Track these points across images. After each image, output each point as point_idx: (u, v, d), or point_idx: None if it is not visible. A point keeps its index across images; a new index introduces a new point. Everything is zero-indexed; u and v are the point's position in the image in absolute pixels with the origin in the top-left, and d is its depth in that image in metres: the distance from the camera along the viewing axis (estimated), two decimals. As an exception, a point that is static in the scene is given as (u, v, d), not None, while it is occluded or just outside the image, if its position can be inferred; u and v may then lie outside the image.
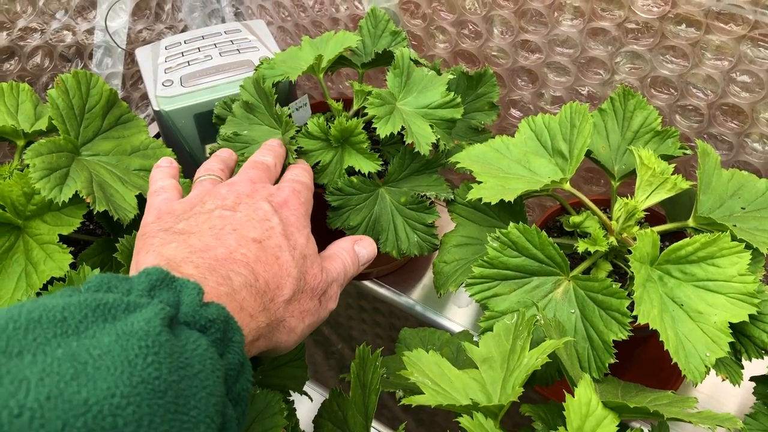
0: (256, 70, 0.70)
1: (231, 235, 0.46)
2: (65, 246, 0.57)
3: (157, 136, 0.85)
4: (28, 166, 0.56)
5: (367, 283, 0.85)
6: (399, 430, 0.43)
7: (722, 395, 0.72)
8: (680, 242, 0.52)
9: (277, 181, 0.58)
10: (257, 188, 0.52)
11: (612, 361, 0.50)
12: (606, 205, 0.67)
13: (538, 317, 0.48)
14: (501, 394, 0.45)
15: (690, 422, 0.42)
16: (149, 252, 0.45)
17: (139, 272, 0.37)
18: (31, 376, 0.27)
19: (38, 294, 0.55)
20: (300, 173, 0.58)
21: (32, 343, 0.29)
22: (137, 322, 0.31)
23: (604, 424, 0.42)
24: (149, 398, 0.29)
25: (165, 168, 0.58)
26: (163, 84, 0.78)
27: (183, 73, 0.79)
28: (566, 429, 0.41)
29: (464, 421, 0.40)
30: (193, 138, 0.79)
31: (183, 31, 0.99)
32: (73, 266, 0.57)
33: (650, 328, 0.48)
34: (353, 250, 0.55)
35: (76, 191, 0.56)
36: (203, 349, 0.34)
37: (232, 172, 0.60)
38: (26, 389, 0.26)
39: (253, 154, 0.59)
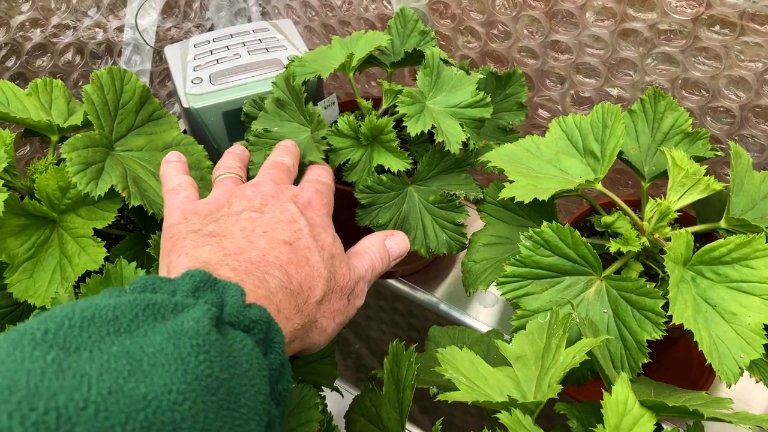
0: (286, 67, 0.70)
1: (262, 238, 0.46)
2: (99, 240, 0.58)
3: (183, 133, 0.85)
4: (63, 160, 0.56)
5: (390, 281, 0.86)
6: (435, 426, 0.44)
7: (749, 397, 0.72)
8: (714, 243, 0.52)
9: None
10: (281, 189, 0.52)
11: (645, 360, 0.50)
12: (635, 206, 0.67)
13: (573, 315, 0.48)
14: (536, 392, 0.45)
15: (730, 422, 0.42)
16: (182, 254, 0.45)
17: (183, 274, 0.37)
18: (91, 371, 0.28)
19: (75, 287, 0.56)
20: (321, 173, 0.58)
21: (88, 341, 0.30)
22: (187, 321, 0.32)
23: (641, 423, 0.42)
24: (203, 395, 0.29)
25: (175, 163, 0.58)
26: (192, 81, 0.79)
27: (212, 71, 0.80)
28: (603, 427, 0.41)
29: (503, 417, 0.40)
30: (221, 136, 0.79)
31: (210, 29, 1.00)
32: (106, 260, 0.58)
33: (685, 328, 0.48)
34: (383, 246, 0.55)
35: (112, 185, 0.57)
36: (249, 348, 0.34)
37: (247, 166, 0.60)
38: (88, 384, 0.27)
39: (271, 154, 0.59)
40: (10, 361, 0.27)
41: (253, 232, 0.46)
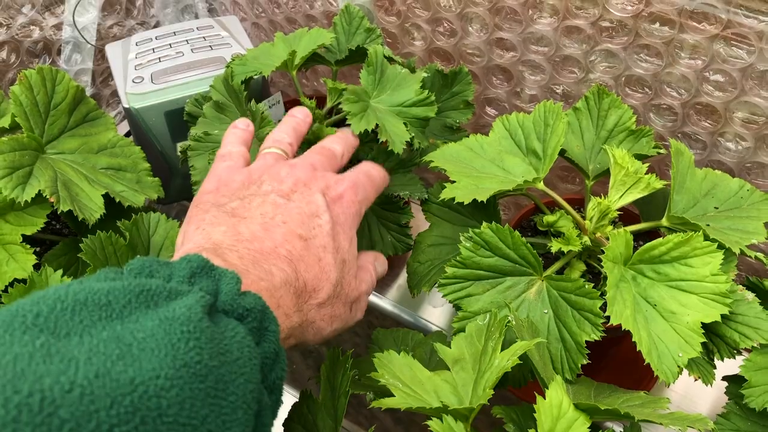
0: (226, 67, 0.69)
1: (279, 228, 0.45)
2: (29, 246, 0.56)
3: (127, 134, 0.83)
4: (-11, 164, 0.54)
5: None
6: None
7: (695, 395, 0.72)
8: (653, 242, 0.51)
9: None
10: (316, 176, 0.51)
11: (585, 362, 0.50)
12: (580, 204, 0.67)
13: (510, 318, 0.48)
14: (472, 396, 0.45)
15: (661, 424, 0.41)
16: (199, 228, 0.45)
17: (180, 258, 0.37)
18: (79, 355, 0.28)
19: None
20: (373, 167, 0.56)
21: (79, 325, 0.30)
22: (179, 308, 0.32)
23: (576, 426, 0.42)
24: (191, 382, 0.29)
25: (239, 131, 0.57)
26: (133, 81, 0.77)
27: (154, 69, 0.78)
28: (537, 431, 0.41)
29: (433, 424, 0.40)
30: (164, 136, 0.77)
31: (155, 27, 0.97)
32: (36, 267, 0.56)
33: (623, 328, 0.48)
34: (374, 266, 0.54)
35: (39, 191, 0.55)
36: (241, 336, 0.34)
37: (301, 141, 0.59)
38: (75, 367, 0.27)
39: (325, 139, 0.58)
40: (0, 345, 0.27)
41: (273, 220, 0.46)
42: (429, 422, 0.40)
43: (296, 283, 0.43)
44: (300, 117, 0.59)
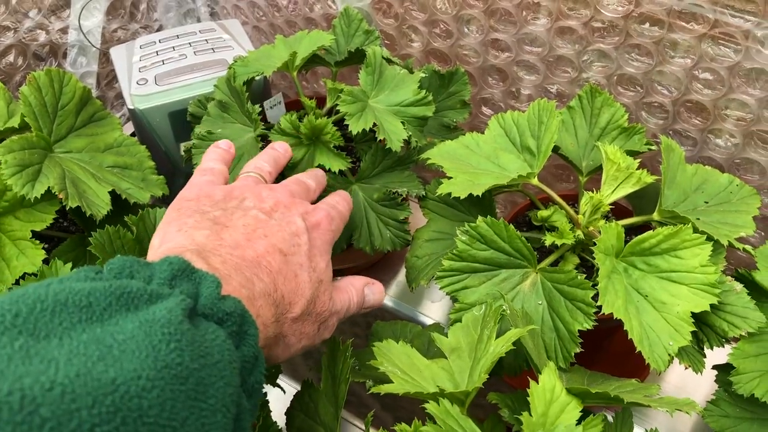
0: (229, 68, 0.71)
1: (261, 240, 0.47)
2: (38, 242, 0.58)
3: (132, 135, 0.85)
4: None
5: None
6: (367, 418, 0.44)
7: (689, 385, 0.73)
8: (644, 234, 0.53)
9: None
10: (295, 202, 0.53)
11: (577, 350, 0.51)
12: (574, 200, 0.68)
13: (504, 308, 0.49)
14: (468, 382, 0.46)
15: (650, 406, 0.43)
16: (181, 230, 0.46)
17: (161, 260, 0.37)
18: (59, 356, 0.28)
19: (10, 290, 0.55)
20: (340, 201, 0.58)
21: (58, 327, 0.29)
22: (159, 311, 0.32)
23: (568, 410, 0.43)
24: (172, 383, 0.29)
25: (221, 151, 0.59)
26: (137, 83, 0.78)
27: (157, 71, 0.80)
28: (530, 415, 0.43)
29: (430, 407, 0.41)
30: (167, 136, 0.79)
31: (158, 30, 0.99)
32: (45, 262, 0.57)
33: (614, 317, 0.49)
34: (362, 291, 0.55)
35: (49, 187, 0.56)
36: (221, 340, 0.34)
37: (279, 172, 0.61)
38: (56, 367, 0.27)
39: (299, 174, 0.60)
40: None
41: (254, 232, 0.47)
42: (426, 405, 0.41)
43: (275, 294, 0.44)
44: (281, 151, 0.61)
